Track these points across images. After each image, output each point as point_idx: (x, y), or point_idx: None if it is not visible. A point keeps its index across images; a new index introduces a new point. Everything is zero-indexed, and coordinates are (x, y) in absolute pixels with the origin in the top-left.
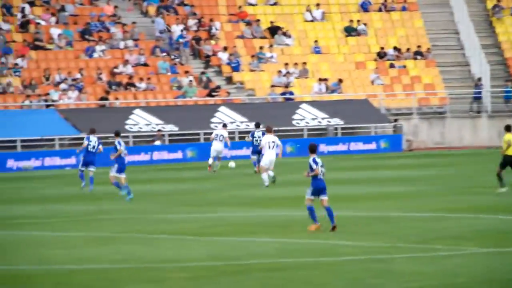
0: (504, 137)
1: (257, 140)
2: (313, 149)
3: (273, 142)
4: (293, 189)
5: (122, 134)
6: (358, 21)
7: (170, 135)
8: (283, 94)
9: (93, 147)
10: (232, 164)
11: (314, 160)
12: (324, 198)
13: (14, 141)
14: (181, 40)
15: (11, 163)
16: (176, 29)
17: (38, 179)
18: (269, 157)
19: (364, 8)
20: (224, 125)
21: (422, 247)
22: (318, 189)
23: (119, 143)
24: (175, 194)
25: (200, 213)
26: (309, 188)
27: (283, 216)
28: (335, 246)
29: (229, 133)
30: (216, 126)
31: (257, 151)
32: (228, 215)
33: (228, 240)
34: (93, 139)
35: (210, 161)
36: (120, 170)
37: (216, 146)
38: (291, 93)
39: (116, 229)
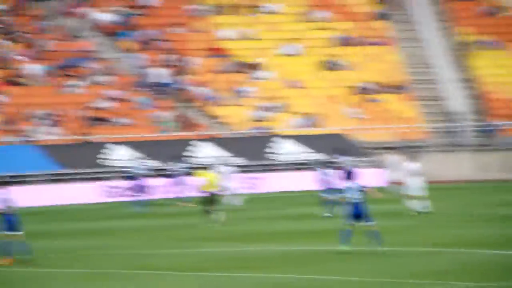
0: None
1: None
2: None
3: None
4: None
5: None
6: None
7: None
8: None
9: None
10: None
11: None
12: None
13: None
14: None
15: None
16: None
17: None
18: None
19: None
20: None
21: None
22: None
23: None
24: (161, 229)
25: (190, 248)
26: None
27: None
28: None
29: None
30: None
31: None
32: (217, 250)
33: (218, 275)
34: None
35: None
36: None
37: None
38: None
39: (103, 266)
